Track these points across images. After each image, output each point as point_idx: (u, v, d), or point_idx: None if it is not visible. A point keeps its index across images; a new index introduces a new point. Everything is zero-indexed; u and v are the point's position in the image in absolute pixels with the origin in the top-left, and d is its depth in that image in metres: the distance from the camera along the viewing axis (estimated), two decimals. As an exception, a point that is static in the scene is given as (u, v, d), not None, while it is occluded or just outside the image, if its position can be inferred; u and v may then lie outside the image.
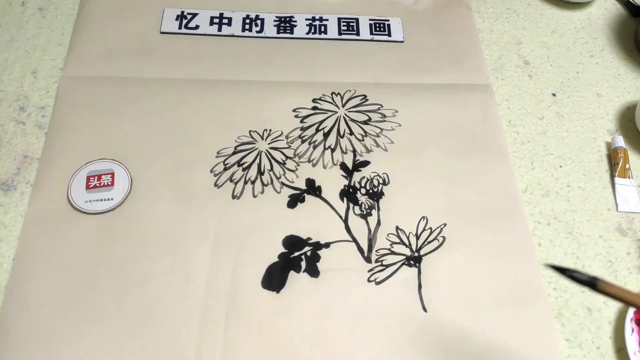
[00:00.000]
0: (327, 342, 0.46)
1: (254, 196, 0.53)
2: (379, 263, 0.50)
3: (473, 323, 0.48)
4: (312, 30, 0.65)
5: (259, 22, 0.65)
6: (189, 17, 0.64)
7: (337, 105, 0.59)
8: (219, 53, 0.62)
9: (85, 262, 0.48)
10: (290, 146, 0.56)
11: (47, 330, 0.45)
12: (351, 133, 0.58)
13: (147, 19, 0.64)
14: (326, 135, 0.57)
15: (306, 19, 0.65)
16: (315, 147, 0.56)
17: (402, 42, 0.65)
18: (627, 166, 0.58)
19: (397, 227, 0.52)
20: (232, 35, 0.63)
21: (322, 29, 0.65)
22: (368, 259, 0.50)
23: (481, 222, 0.53)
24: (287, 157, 0.55)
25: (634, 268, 0.53)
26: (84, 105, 0.57)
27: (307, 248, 0.50)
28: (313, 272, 0.49)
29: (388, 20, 0.66)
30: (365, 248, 0.51)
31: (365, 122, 0.58)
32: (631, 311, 0.48)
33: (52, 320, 0.45)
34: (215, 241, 0.50)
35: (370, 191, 0.54)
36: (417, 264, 0.50)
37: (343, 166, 0.55)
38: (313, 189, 0.54)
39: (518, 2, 0.71)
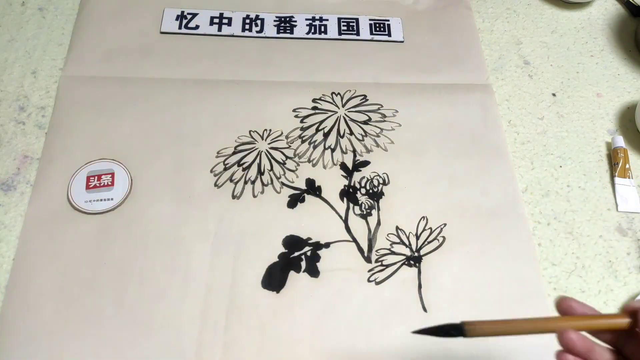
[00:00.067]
0: (327, 342, 0.46)
1: (254, 196, 0.53)
2: (379, 263, 0.50)
3: (473, 323, 0.48)
4: (312, 30, 0.65)
5: (259, 22, 0.65)
6: (189, 17, 0.64)
7: (337, 105, 0.59)
8: (219, 53, 0.62)
9: (85, 262, 0.48)
10: (290, 146, 0.56)
11: (47, 330, 0.45)
12: (351, 133, 0.58)
13: (147, 19, 0.64)
14: (326, 135, 0.57)
15: (306, 19, 0.65)
16: (315, 147, 0.56)
17: (402, 42, 0.65)
18: (627, 166, 0.58)
19: (397, 227, 0.52)
20: (232, 35, 0.63)
21: (322, 29, 0.65)
22: (368, 259, 0.50)
23: (481, 222, 0.53)
24: (287, 157, 0.55)
25: (634, 268, 0.53)
26: (84, 105, 0.57)
27: (307, 248, 0.50)
28: (313, 272, 0.49)
29: (388, 20, 0.66)
30: (365, 248, 0.51)
31: (365, 122, 0.58)
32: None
33: (52, 320, 0.45)
34: (215, 241, 0.50)
35: (370, 191, 0.54)
36: (417, 264, 0.50)
37: (343, 166, 0.55)
38: (313, 189, 0.54)
39: (518, 2, 0.71)
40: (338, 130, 0.58)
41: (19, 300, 0.46)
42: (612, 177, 0.58)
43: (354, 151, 0.56)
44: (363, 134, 0.58)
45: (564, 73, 0.65)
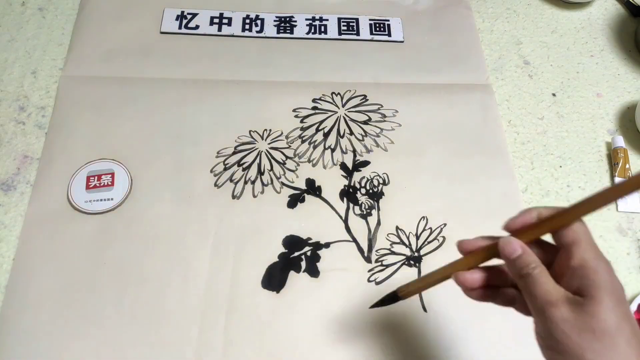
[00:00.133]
0: (327, 342, 0.46)
1: (254, 196, 0.53)
2: (379, 263, 0.50)
3: (473, 323, 0.48)
4: (312, 30, 0.65)
5: (259, 22, 0.65)
6: (189, 17, 0.64)
7: (337, 105, 0.59)
8: (219, 53, 0.62)
9: (85, 262, 0.48)
10: (290, 146, 0.56)
11: (47, 330, 0.45)
12: (351, 133, 0.58)
13: (147, 19, 0.63)
14: (326, 135, 0.57)
15: (306, 19, 0.65)
16: (315, 147, 0.56)
17: (402, 42, 0.65)
18: (627, 166, 0.58)
19: (397, 227, 0.52)
20: (232, 35, 0.63)
21: (322, 29, 0.65)
22: (368, 259, 0.50)
23: (481, 222, 0.53)
24: (287, 157, 0.55)
25: (633, 268, 0.53)
26: (84, 105, 0.57)
27: (307, 248, 0.50)
28: (313, 272, 0.49)
29: (388, 20, 0.66)
30: (365, 248, 0.51)
31: (365, 122, 0.58)
32: (633, 310, 0.48)
33: (52, 320, 0.45)
34: (215, 241, 0.50)
35: (370, 191, 0.54)
36: (417, 264, 0.50)
37: (343, 166, 0.55)
38: (313, 189, 0.54)
39: (518, 2, 0.71)
40: (338, 130, 0.58)
41: (19, 300, 0.46)
42: (612, 177, 0.58)
43: (354, 151, 0.56)
44: (363, 134, 0.58)
45: (564, 73, 0.65)
